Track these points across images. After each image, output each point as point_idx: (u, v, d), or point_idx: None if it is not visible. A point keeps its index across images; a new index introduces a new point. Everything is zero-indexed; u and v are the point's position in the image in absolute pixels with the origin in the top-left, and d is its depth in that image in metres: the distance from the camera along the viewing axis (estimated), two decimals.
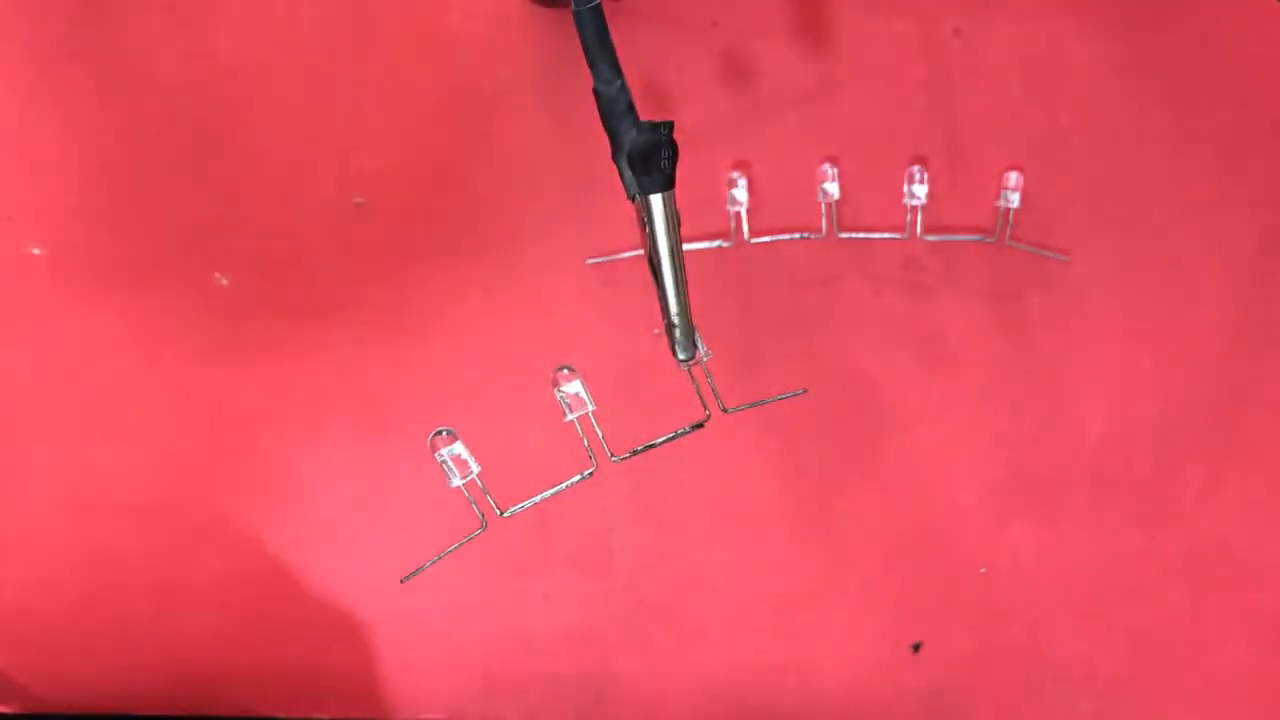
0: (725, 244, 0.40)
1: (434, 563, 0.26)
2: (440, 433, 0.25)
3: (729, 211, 0.40)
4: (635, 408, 0.41)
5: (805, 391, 0.31)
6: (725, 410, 0.29)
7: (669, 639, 0.43)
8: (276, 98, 0.39)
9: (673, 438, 0.28)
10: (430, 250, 0.40)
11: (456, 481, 0.25)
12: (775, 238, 0.40)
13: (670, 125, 0.28)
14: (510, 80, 0.39)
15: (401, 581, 0.26)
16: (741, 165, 0.40)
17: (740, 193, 0.39)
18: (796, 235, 0.40)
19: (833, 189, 0.39)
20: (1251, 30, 0.38)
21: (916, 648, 0.43)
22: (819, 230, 0.40)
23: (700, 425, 0.29)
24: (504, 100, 0.39)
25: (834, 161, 0.39)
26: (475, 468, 0.25)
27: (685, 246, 0.40)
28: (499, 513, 0.26)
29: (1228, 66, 0.39)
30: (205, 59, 0.39)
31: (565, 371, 0.27)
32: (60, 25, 0.39)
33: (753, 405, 0.29)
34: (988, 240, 0.40)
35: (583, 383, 0.27)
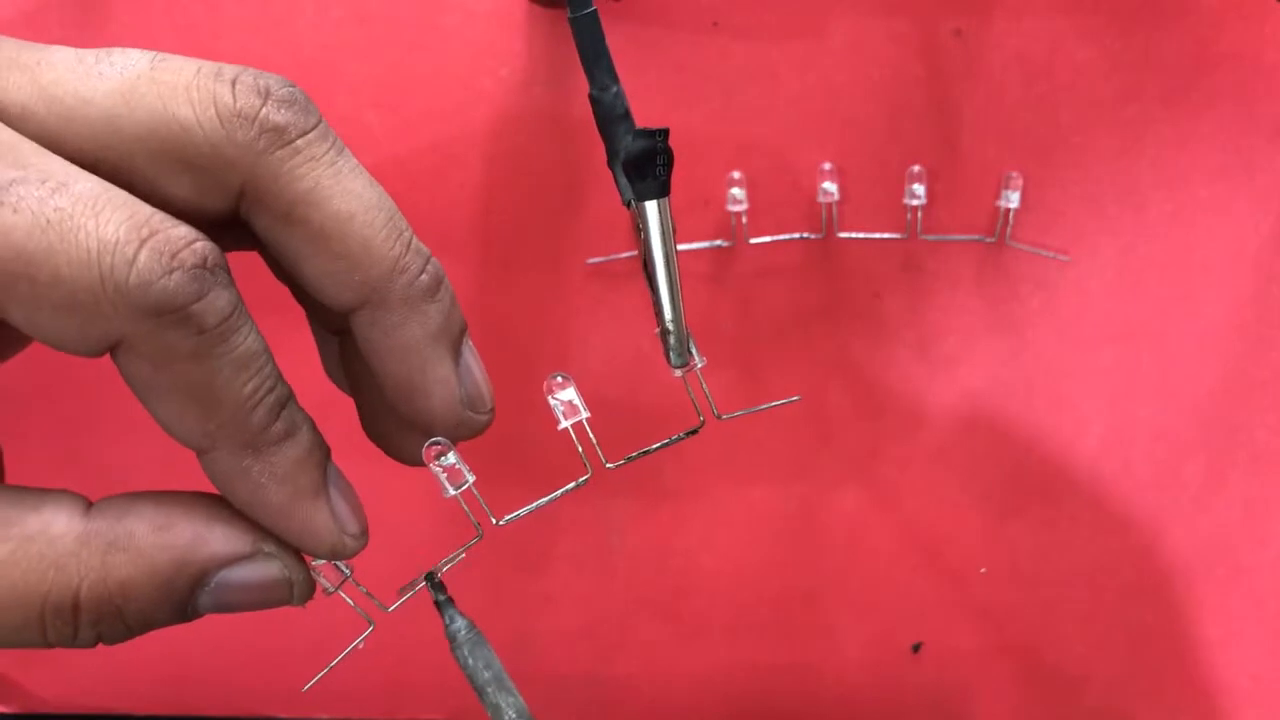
0: (725, 244, 0.40)
1: (421, 586, 0.26)
2: (434, 443, 0.24)
3: (729, 211, 0.40)
4: (636, 407, 0.41)
5: (799, 399, 0.31)
6: (719, 417, 0.29)
7: (669, 638, 0.44)
8: None
9: (667, 444, 0.28)
10: (430, 250, 0.40)
11: (451, 492, 0.25)
12: (775, 238, 0.40)
13: (666, 132, 0.28)
14: (510, 80, 0.39)
15: (387, 610, 0.26)
16: (741, 165, 0.40)
17: (740, 192, 0.39)
18: (796, 235, 0.40)
19: (833, 189, 0.39)
20: (1251, 30, 0.38)
21: (916, 648, 0.43)
22: (819, 230, 0.40)
23: (695, 431, 0.29)
24: (504, 100, 0.39)
25: (834, 161, 0.39)
26: (470, 477, 0.25)
27: (685, 246, 0.40)
28: (495, 521, 0.26)
29: (1228, 66, 0.39)
30: (205, 59, 0.39)
31: (559, 379, 0.27)
32: (60, 26, 0.39)
33: (747, 412, 0.29)
34: (988, 240, 0.40)
35: (577, 390, 0.27)
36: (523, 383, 0.42)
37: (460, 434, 0.25)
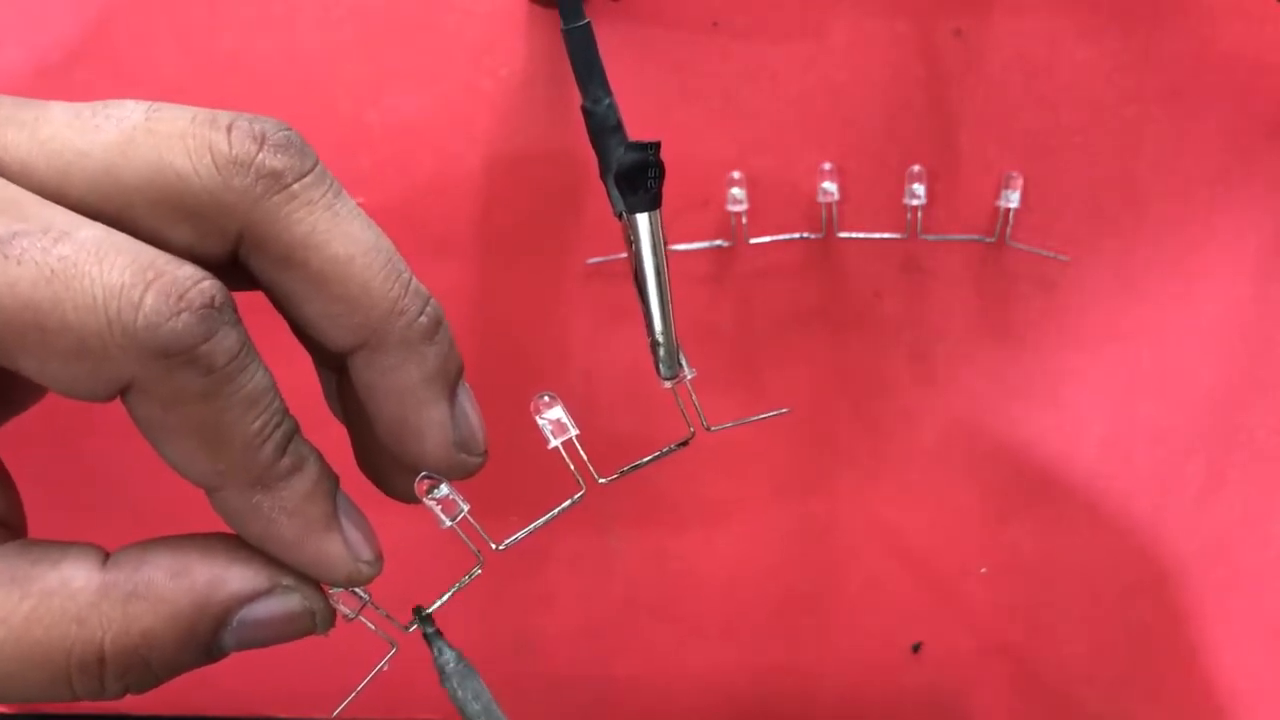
0: (725, 244, 0.40)
1: (437, 606, 0.26)
2: (426, 477, 0.25)
3: (729, 211, 0.40)
4: (636, 407, 0.41)
5: (789, 411, 0.31)
6: (709, 429, 0.29)
7: (669, 639, 0.44)
8: (276, 98, 0.39)
9: (658, 457, 0.28)
10: (430, 250, 0.40)
11: (447, 523, 0.25)
12: (775, 238, 0.40)
13: (657, 145, 0.28)
14: (510, 80, 0.39)
15: (407, 630, 0.26)
16: (741, 165, 0.40)
17: (740, 192, 0.39)
18: (796, 235, 0.40)
19: (833, 189, 0.39)
20: (1251, 30, 0.38)
21: (916, 648, 0.43)
22: (819, 230, 0.40)
23: (685, 443, 0.29)
24: (504, 100, 0.39)
25: (834, 161, 0.39)
26: (464, 507, 0.25)
27: (684, 246, 0.40)
28: (494, 547, 0.26)
29: (1228, 66, 0.39)
30: (205, 60, 0.39)
31: (545, 399, 0.27)
32: (60, 25, 0.39)
33: (737, 424, 0.29)
34: (988, 240, 0.40)
35: (564, 407, 0.27)
36: (521, 383, 0.42)
37: (452, 476, 0.25)
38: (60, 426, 0.42)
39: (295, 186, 0.22)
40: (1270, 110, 0.39)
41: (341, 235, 0.22)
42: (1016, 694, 0.44)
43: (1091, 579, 0.43)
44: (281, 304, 0.23)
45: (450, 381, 0.24)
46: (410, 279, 0.23)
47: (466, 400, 0.25)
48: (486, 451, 0.25)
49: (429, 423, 0.24)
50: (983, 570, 0.43)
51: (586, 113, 0.29)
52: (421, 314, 0.23)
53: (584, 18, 0.30)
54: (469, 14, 0.39)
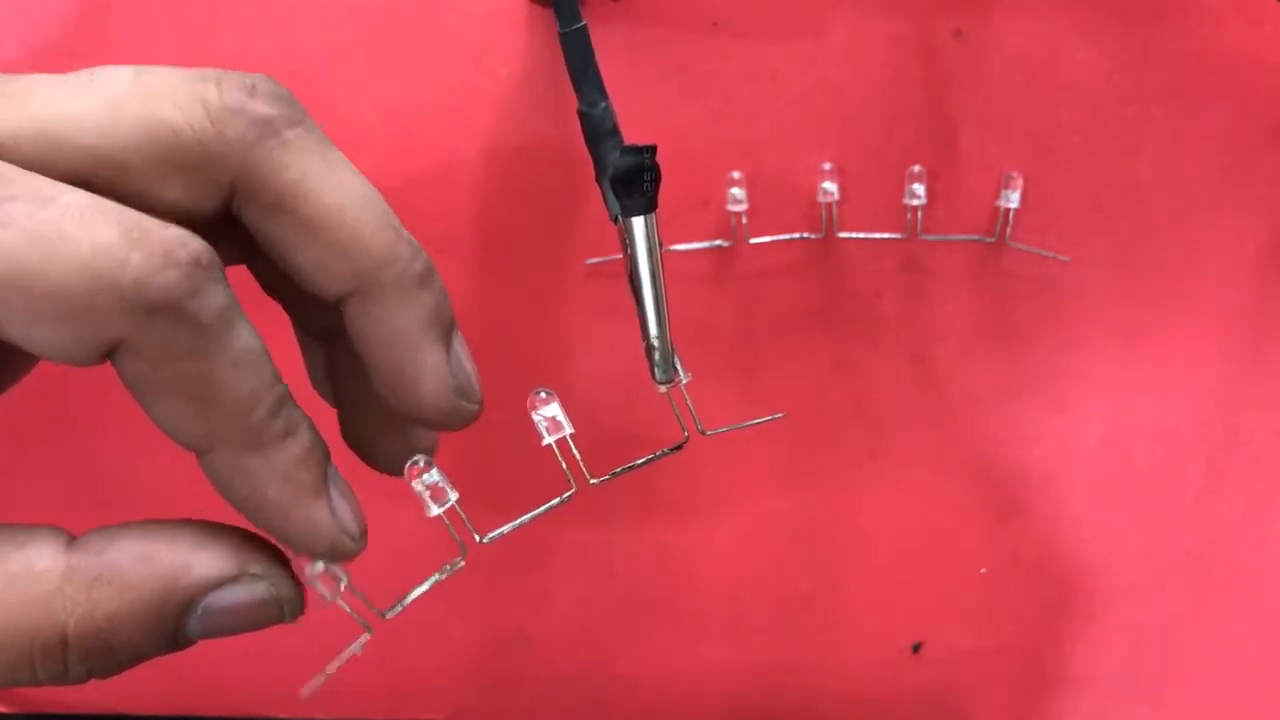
0: (725, 244, 0.40)
1: (417, 595, 0.26)
2: (416, 462, 0.24)
3: (729, 211, 0.40)
4: (635, 407, 0.41)
5: (783, 415, 0.31)
6: (704, 433, 0.29)
7: (669, 637, 0.44)
8: None
9: (651, 460, 0.28)
10: (429, 250, 0.40)
11: (435, 511, 0.25)
12: (775, 238, 0.40)
13: (653, 149, 0.28)
14: (510, 80, 0.39)
15: (385, 616, 0.26)
16: (741, 165, 0.40)
17: (740, 192, 0.39)
18: (796, 235, 0.40)
19: (833, 189, 0.39)
20: (1251, 30, 0.38)
21: (916, 648, 0.43)
22: (819, 230, 0.40)
23: (679, 447, 0.29)
24: (504, 100, 0.39)
25: (834, 161, 0.39)
26: (453, 495, 0.25)
27: (684, 246, 0.40)
28: (479, 539, 0.26)
29: (1228, 66, 0.39)
30: (205, 59, 0.39)
31: (542, 395, 0.27)
32: (58, 25, 0.39)
33: (732, 428, 0.29)
34: (988, 240, 0.40)
35: (560, 405, 0.27)
36: (520, 382, 0.42)
37: (451, 423, 0.25)
38: (53, 419, 0.42)
39: (287, 134, 0.22)
40: (1270, 110, 0.39)
41: (334, 182, 0.22)
42: (1016, 694, 0.44)
43: (1091, 579, 0.43)
44: (272, 255, 0.23)
45: (445, 327, 0.24)
46: (400, 227, 0.24)
47: (461, 348, 0.25)
48: (482, 402, 0.25)
49: (426, 367, 0.24)
50: (983, 570, 0.43)
51: (582, 116, 0.29)
52: (414, 260, 0.24)
53: (580, 21, 0.30)
54: (469, 14, 0.39)
